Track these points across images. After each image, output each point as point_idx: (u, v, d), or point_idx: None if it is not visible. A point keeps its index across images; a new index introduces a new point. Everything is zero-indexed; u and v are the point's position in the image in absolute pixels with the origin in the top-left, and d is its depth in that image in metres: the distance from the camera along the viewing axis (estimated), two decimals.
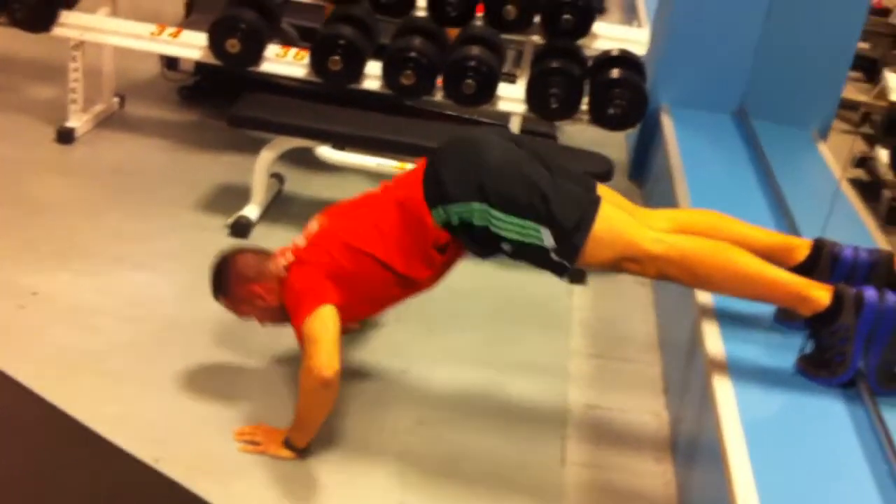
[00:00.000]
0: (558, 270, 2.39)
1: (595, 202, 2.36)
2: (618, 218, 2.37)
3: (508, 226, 2.35)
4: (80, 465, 2.40)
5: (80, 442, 2.46)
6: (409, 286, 2.57)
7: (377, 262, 2.49)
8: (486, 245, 2.44)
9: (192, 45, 4.08)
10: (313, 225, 2.62)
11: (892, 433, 2.09)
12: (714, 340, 2.42)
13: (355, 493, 2.40)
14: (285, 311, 2.52)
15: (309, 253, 2.54)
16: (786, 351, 2.39)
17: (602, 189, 2.51)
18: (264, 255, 2.65)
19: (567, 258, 2.35)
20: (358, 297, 2.51)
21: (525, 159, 2.42)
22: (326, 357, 2.33)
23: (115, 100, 4.56)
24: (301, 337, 2.43)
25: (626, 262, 2.34)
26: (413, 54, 3.87)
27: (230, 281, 2.62)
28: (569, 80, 3.88)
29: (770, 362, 2.39)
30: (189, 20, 4.80)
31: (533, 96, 3.92)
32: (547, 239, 2.33)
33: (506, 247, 2.41)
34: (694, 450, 2.48)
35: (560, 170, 2.46)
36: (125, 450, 2.43)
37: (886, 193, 4.58)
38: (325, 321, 2.39)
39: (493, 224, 2.36)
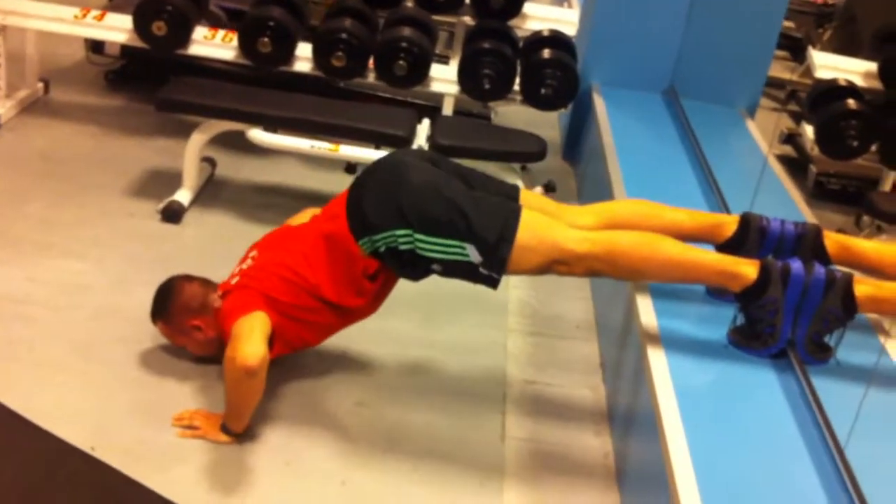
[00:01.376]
0: (490, 283, 2.42)
1: (515, 211, 2.38)
2: (540, 223, 2.39)
3: (434, 247, 2.37)
4: (14, 454, 2.35)
5: (12, 430, 2.41)
6: (344, 315, 2.59)
7: (311, 291, 2.50)
8: (415, 267, 2.47)
9: (118, 28, 4.01)
10: (246, 259, 2.65)
11: (821, 401, 2.14)
12: (648, 315, 2.46)
13: (297, 474, 2.40)
14: (221, 344, 2.50)
15: (243, 286, 2.55)
16: (718, 323, 2.44)
17: (525, 194, 2.56)
18: (210, 286, 2.66)
19: (495, 270, 2.37)
20: (294, 325, 2.53)
21: (442, 178, 2.45)
22: (250, 347, 2.32)
23: (40, 85, 4.46)
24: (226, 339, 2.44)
25: (554, 265, 2.38)
26: (344, 35, 3.85)
27: (173, 310, 2.63)
28: (501, 60, 3.90)
29: (702, 335, 2.44)
30: (114, 3, 4.69)
31: (465, 77, 3.93)
32: (473, 254, 2.35)
33: (435, 267, 2.43)
34: (631, 421, 2.52)
35: (480, 183, 2.51)
36: (60, 437, 2.38)
37: (812, 169, 4.69)
38: (251, 321, 2.40)
39: (419, 248, 2.38)
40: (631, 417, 2.53)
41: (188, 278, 2.68)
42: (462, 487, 2.43)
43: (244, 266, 2.63)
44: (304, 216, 2.78)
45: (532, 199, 2.58)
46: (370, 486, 2.40)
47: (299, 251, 2.55)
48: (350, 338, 2.93)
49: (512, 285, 3.44)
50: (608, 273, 2.41)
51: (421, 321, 3.14)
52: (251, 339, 2.34)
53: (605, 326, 3.15)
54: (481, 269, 2.38)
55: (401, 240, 2.39)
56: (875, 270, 2.52)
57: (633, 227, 2.49)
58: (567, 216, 2.54)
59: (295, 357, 2.79)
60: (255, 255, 2.65)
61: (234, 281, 2.59)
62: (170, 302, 2.63)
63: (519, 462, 2.54)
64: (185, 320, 2.62)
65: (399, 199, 2.38)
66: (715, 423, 2.10)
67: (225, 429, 2.45)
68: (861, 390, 2.10)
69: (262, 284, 2.52)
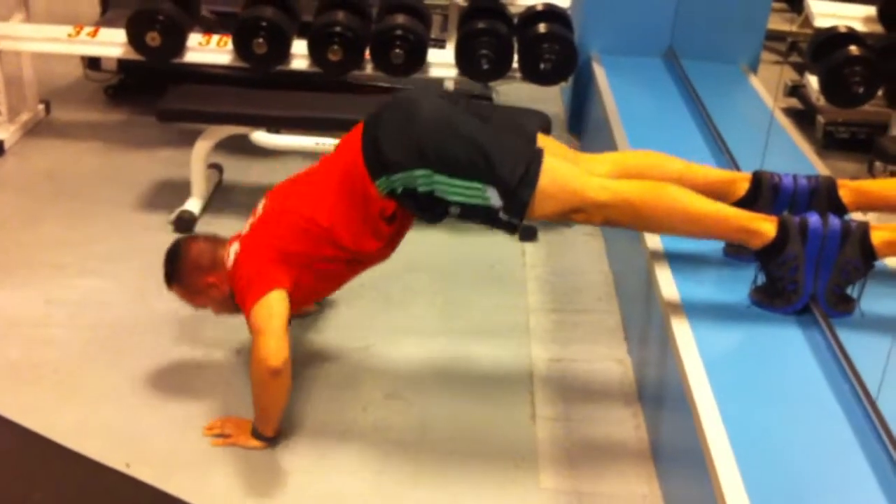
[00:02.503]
0: (508, 228, 2.37)
1: (538, 155, 2.33)
2: (562, 169, 2.34)
3: (453, 189, 2.31)
4: (43, 479, 2.36)
5: (45, 455, 2.42)
6: (360, 260, 2.53)
7: (324, 237, 2.43)
8: (433, 210, 2.40)
9: (112, 43, 4.00)
10: (257, 209, 2.59)
11: (848, 353, 2.13)
12: (667, 283, 2.45)
13: (332, 469, 2.40)
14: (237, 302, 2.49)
15: (254, 238, 2.50)
16: (738, 284, 2.42)
17: (542, 139, 2.47)
18: (219, 242, 2.60)
19: (515, 215, 2.32)
20: (309, 276, 2.47)
21: (462, 117, 2.37)
22: (274, 347, 2.30)
23: (41, 106, 4.47)
24: (247, 318, 2.40)
25: (573, 213, 2.33)
26: (338, 29, 3.83)
27: (184, 270, 2.57)
28: (497, 39, 3.87)
29: (724, 297, 2.42)
30: (105, 17, 4.70)
31: (463, 59, 3.90)
32: (493, 198, 2.30)
33: (453, 210, 2.37)
34: (660, 392, 2.51)
35: (499, 123, 2.42)
36: (93, 458, 2.39)
37: (820, 119, 4.65)
38: (271, 309, 2.36)
39: (438, 189, 2.32)
40: (660, 387, 2.52)
41: (194, 237, 2.64)
42: (498, 470, 2.43)
43: (254, 218, 2.56)
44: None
45: (550, 145, 2.49)
46: (406, 475, 2.40)
47: (311, 195, 2.47)
48: (372, 332, 2.93)
49: (529, 264, 3.44)
50: (626, 223, 2.37)
51: (441, 308, 3.14)
52: (273, 335, 2.32)
53: (626, 297, 3.14)
54: (501, 214, 2.32)
55: (420, 181, 2.32)
56: None
57: (649, 177, 2.43)
58: (584, 164, 2.48)
59: (321, 354, 2.80)
60: (265, 203, 2.58)
61: (245, 231, 2.54)
62: (180, 262, 2.57)
63: (551, 441, 2.54)
64: (198, 279, 2.55)
65: (417, 136, 2.30)
66: (744, 385, 2.09)
67: (256, 433, 2.45)
68: (888, 339, 2.08)
69: (272, 237, 2.45)
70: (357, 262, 2.53)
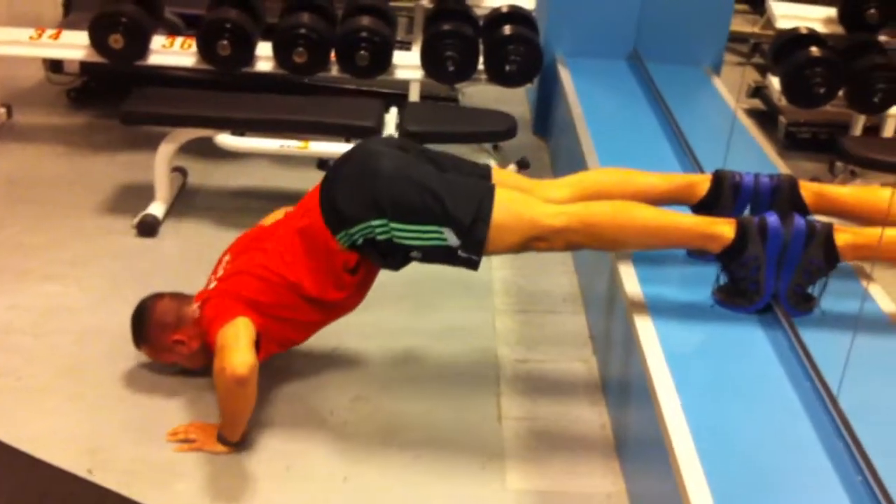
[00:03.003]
0: (469, 265, 2.41)
1: (489, 190, 2.37)
2: (515, 200, 2.38)
3: (411, 234, 2.35)
4: (10, 486, 2.33)
5: (7, 462, 2.39)
6: (328, 309, 2.57)
7: (289, 290, 2.48)
8: (394, 257, 2.45)
9: (75, 46, 3.97)
10: (220, 265, 2.63)
11: (809, 351, 2.16)
12: (631, 283, 2.47)
13: (299, 475, 2.39)
14: (208, 354, 2.49)
15: (221, 291, 2.53)
16: (701, 284, 2.44)
17: (498, 173, 2.55)
18: (184, 299, 2.63)
19: (474, 252, 2.36)
20: (278, 325, 2.51)
21: (413, 163, 2.43)
22: (238, 356, 2.31)
23: (2, 110, 4.40)
24: (212, 347, 2.42)
25: (533, 242, 2.36)
26: (303, 31, 3.83)
27: (150, 330, 2.61)
28: (463, 41, 3.88)
29: (687, 297, 2.44)
30: (68, 20, 4.66)
31: (429, 61, 3.91)
32: (450, 238, 2.34)
33: (414, 254, 2.42)
34: (625, 390, 2.53)
35: (451, 165, 2.49)
36: (52, 463, 2.37)
37: (782, 119, 4.69)
38: (236, 328, 2.38)
39: (395, 236, 2.36)
40: (625, 386, 2.54)
41: (158, 296, 2.65)
42: (464, 471, 2.44)
43: (220, 272, 2.61)
44: (279, 214, 2.77)
45: (505, 177, 2.57)
46: (373, 479, 2.40)
47: (275, 250, 2.52)
48: (340, 334, 2.92)
49: (495, 266, 3.44)
50: (587, 245, 2.41)
51: (408, 310, 3.14)
52: (237, 347, 2.33)
53: (591, 298, 3.16)
54: (460, 252, 2.37)
55: (377, 230, 2.37)
56: (854, 216, 2.53)
57: (608, 195, 2.48)
58: (541, 191, 2.53)
59: (286, 359, 2.78)
60: (228, 259, 2.63)
61: (211, 286, 2.58)
62: (145, 324, 2.61)
63: (518, 441, 2.55)
64: (165, 337, 2.59)
65: (372, 189, 2.36)
66: (707, 384, 2.11)
67: (222, 438, 2.44)
68: (848, 337, 2.11)
69: (239, 288, 2.50)
70: (324, 311, 2.57)
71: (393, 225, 2.35)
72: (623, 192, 2.49)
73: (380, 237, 2.38)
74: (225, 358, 2.32)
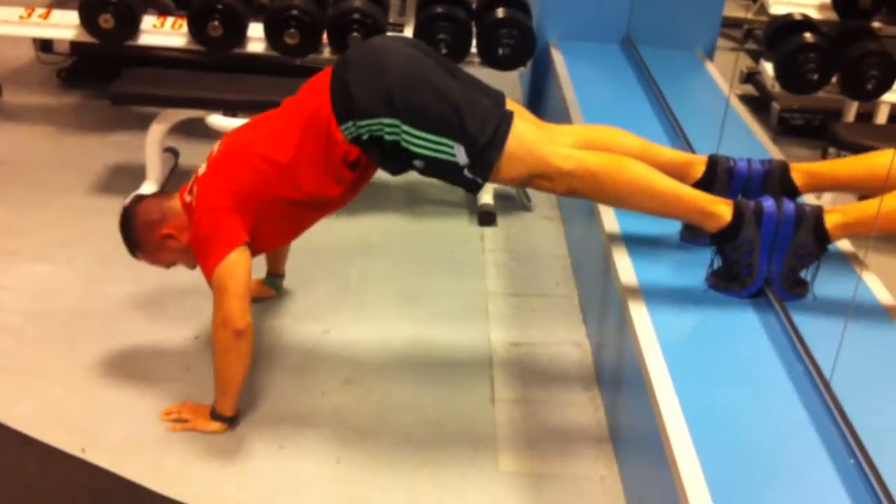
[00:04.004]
0: (471, 186, 2.35)
1: (508, 117, 2.31)
2: (530, 134, 2.34)
3: (421, 141, 2.28)
4: (4, 466, 2.33)
5: (1, 442, 2.39)
6: (319, 205, 2.47)
7: (283, 177, 2.38)
8: (396, 160, 2.36)
9: (65, 25, 3.94)
10: (213, 150, 2.52)
11: (802, 335, 2.16)
12: (625, 267, 2.46)
13: (291, 456, 2.39)
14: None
15: (210, 181, 2.42)
16: (695, 268, 2.44)
17: (511, 103, 2.45)
18: (164, 195, 2.55)
19: (480, 174, 2.31)
20: (268, 220, 2.42)
21: (435, 70, 2.34)
22: (237, 307, 2.29)
23: None
24: (208, 278, 2.37)
25: (537, 179, 2.33)
26: (294, 12, 3.80)
27: (138, 232, 2.51)
28: (456, 24, 3.86)
29: (681, 281, 2.44)
30: None
31: None
32: (460, 155, 2.28)
33: (417, 163, 2.34)
34: (618, 374, 2.53)
35: (469, 82, 2.41)
36: (48, 443, 2.37)
37: (775, 105, 4.70)
38: (233, 268, 2.33)
39: (404, 140, 2.28)
40: (618, 370, 2.54)
41: (139, 197, 2.59)
42: (457, 454, 2.44)
43: (210, 158, 2.50)
44: None
45: (518, 109, 2.47)
46: (365, 461, 2.40)
47: (272, 136, 2.41)
48: (331, 317, 2.92)
49: (488, 248, 3.44)
50: (588, 194, 2.37)
51: (400, 293, 3.13)
52: (236, 296, 2.30)
53: (584, 281, 3.16)
54: (466, 172, 2.30)
55: (387, 129, 2.28)
56: (851, 186, 2.53)
57: (611, 152, 2.42)
58: (548, 132, 2.47)
59: (278, 340, 2.78)
60: (220, 146, 2.51)
61: (200, 171, 2.48)
62: (131, 226, 2.52)
63: (511, 424, 2.55)
64: (153, 235, 2.50)
65: (389, 84, 2.27)
66: (701, 368, 2.11)
67: (215, 415, 2.44)
68: (841, 322, 2.12)
69: (229, 179, 2.40)
70: (317, 206, 2.48)
71: (405, 128, 2.27)
72: (625, 152, 2.44)
73: (388, 137, 2.30)
74: (224, 308, 2.29)
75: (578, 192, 2.36)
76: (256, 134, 2.45)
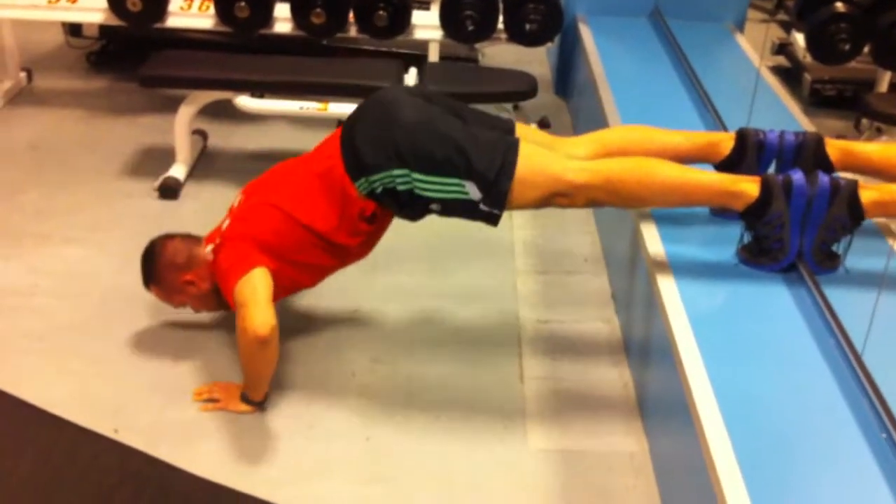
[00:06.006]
0: (490, 220, 2.39)
1: (513, 145, 2.34)
2: (538, 155, 2.36)
3: (432, 186, 2.33)
4: (29, 446, 2.36)
5: (27, 421, 2.42)
6: (338, 254, 2.54)
7: (303, 232, 2.45)
8: (413, 208, 2.42)
9: (93, 9, 3.95)
10: (234, 205, 2.60)
11: (834, 309, 2.14)
12: (653, 242, 2.45)
13: (321, 435, 2.41)
14: (220, 295, 2.49)
15: (234, 232, 2.50)
16: (724, 243, 2.42)
17: (520, 128, 2.51)
18: (194, 240, 2.62)
19: (496, 206, 2.33)
20: (289, 268, 2.48)
21: (437, 114, 2.40)
22: (260, 315, 2.30)
23: (22, 75, 4.42)
24: (230, 300, 2.41)
25: (555, 198, 2.34)
26: None
27: (160, 270, 2.59)
28: (482, 0, 3.83)
29: (710, 256, 2.42)
30: None
31: (448, 21, 3.87)
32: (473, 192, 2.32)
33: (434, 207, 2.39)
34: (647, 350, 2.52)
35: (474, 118, 2.46)
36: (77, 423, 2.40)
37: (807, 77, 4.63)
38: (254, 283, 2.37)
39: (417, 187, 2.34)
40: (647, 346, 2.53)
41: (168, 236, 2.63)
42: (486, 431, 2.44)
43: (231, 213, 2.57)
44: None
45: (527, 133, 2.53)
46: (395, 439, 2.41)
47: (291, 193, 2.48)
48: (360, 296, 2.93)
49: (516, 226, 3.43)
50: (609, 202, 2.38)
51: (428, 272, 3.13)
52: (258, 306, 2.32)
53: (613, 257, 3.14)
54: (482, 206, 2.34)
55: (398, 180, 2.34)
56: (882, 172, 2.50)
57: (630, 153, 2.45)
58: (563, 148, 2.51)
59: (307, 321, 2.79)
60: (242, 199, 2.59)
61: (224, 225, 2.55)
62: (155, 263, 2.58)
63: (540, 401, 2.55)
64: (175, 278, 2.56)
65: (394, 138, 2.33)
66: (730, 343, 2.10)
67: (245, 398, 2.46)
68: (873, 295, 2.09)
69: (252, 227, 2.46)
70: (336, 255, 2.54)
71: (415, 176, 2.32)
72: (646, 150, 2.46)
73: (400, 187, 2.35)
74: (246, 318, 2.31)
75: (600, 202, 2.38)
76: (277, 192, 2.51)
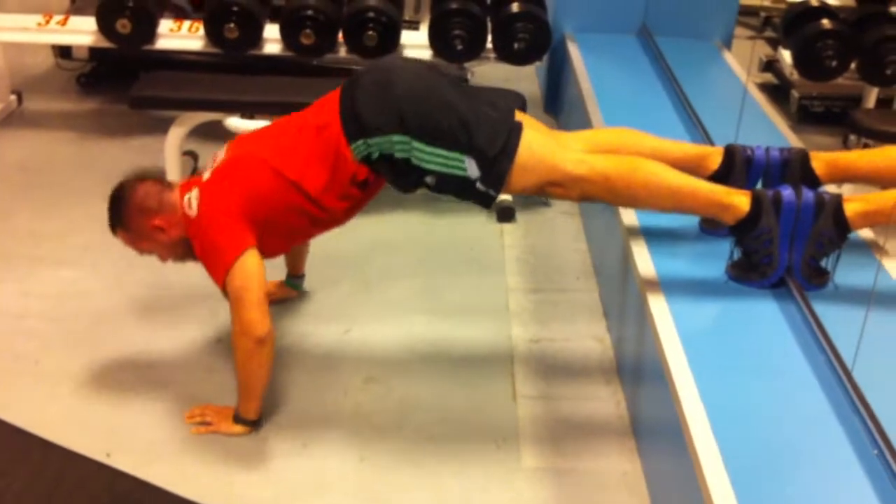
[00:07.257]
0: (484, 201, 2.35)
1: (517, 128, 2.32)
2: (540, 142, 2.34)
3: (431, 157, 2.28)
4: (19, 468, 2.35)
5: (22, 446, 2.41)
6: (321, 218, 2.45)
7: (291, 190, 2.36)
8: (407, 178, 2.36)
9: (83, 31, 3.97)
10: (218, 156, 2.49)
11: (823, 325, 2.15)
12: (644, 260, 2.46)
13: (315, 455, 2.41)
14: (188, 246, 2.41)
15: (216, 187, 2.39)
16: (714, 259, 2.43)
17: (520, 114, 2.45)
18: (166, 184, 2.50)
19: (493, 187, 2.31)
20: (269, 231, 2.40)
21: (443, 84, 2.35)
22: (255, 315, 2.29)
23: (13, 97, 4.42)
24: (220, 286, 2.35)
25: (550, 186, 2.33)
26: (310, 12, 3.82)
27: (129, 213, 2.44)
28: (471, 19, 3.86)
29: (700, 273, 2.43)
30: (76, 5, 4.64)
31: (437, 40, 3.89)
32: (471, 169, 2.28)
33: (429, 179, 2.34)
34: (639, 368, 2.53)
35: (479, 96, 2.41)
36: (69, 448, 2.39)
37: (794, 93, 4.67)
38: (246, 275, 2.31)
39: (415, 156, 2.28)
40: (639, 364, 2.53)
41: (139, 178, 2.49)
42: (479, 451, 2.44)
43: (215, 164, 2.47)
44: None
45: (527, 119, 2.46)
46: (389, 459, 2.40)
47: (281, 148, 2.39)
48: (352, 315, 2.93)
49: (508, 245, 3.44)
50: (602, 197, 2.36)
51: (420, 290, 3.14)
52: (255, 306, 2.30)
53: (604, 275, 3.15)
54: (478, 185, 2.30)
55: (397, 147, 2.29)
56: (870, 178, 2.51)
57: (624, 154, 2.42)
58: (558, 140, 2.48)
59: (300, 341, 2.79)
60: (227, 151, 2.49)
61: (205, 176, 2.44)
62: (124, 205, 2.44)
63: (533, 420, 2.55)
64: (144, 223, 2.43)
65: (398, 101, 2.27)
66: (721, 360, 2.11)
67: (238, 419, 2.45)
68: (862, 311, 2.10)
69: (235, 185, 2.37)
70: (320, 221, 2.47)
71: (415, 144, 2.27)
72: (638, 153, 2.43)
73: (398, 155, 2.30)
74: (243, 318, 2.30)
75: (593, 197, 2.36)
76: (265, 145, 2.43)
